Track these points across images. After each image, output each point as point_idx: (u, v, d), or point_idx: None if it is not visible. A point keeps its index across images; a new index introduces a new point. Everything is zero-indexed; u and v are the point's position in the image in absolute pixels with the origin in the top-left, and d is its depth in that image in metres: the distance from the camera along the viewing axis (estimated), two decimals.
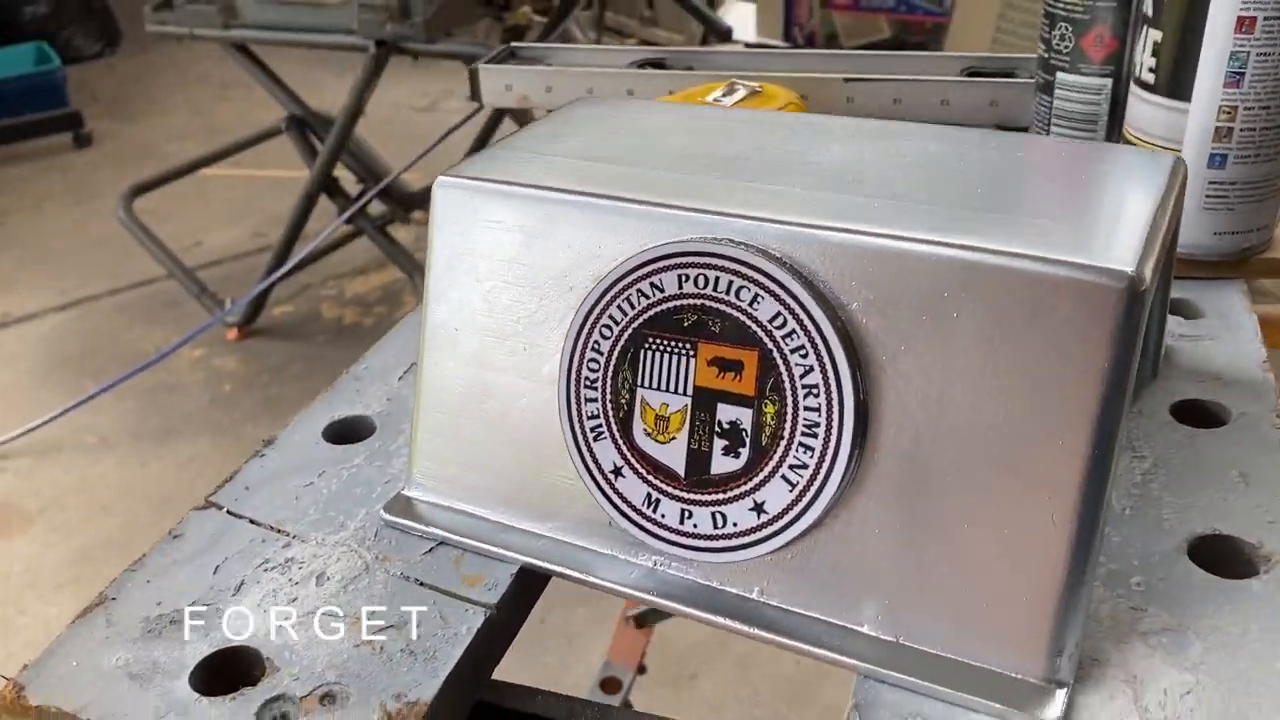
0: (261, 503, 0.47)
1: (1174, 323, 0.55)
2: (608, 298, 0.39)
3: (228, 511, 0.46)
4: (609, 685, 1.28)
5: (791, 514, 0.38)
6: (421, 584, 0.42)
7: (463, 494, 0.45)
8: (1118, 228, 0.35)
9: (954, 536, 0.36)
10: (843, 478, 0.37)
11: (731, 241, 0.37)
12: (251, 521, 0.46)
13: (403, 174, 1.91)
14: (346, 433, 0.52)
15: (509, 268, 0.42)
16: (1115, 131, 0.63)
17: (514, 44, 0.89)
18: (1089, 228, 0.36)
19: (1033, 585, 0.35)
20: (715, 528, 0.39)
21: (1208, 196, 0.56)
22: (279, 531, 0.45)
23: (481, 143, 2.25)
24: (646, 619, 1.27)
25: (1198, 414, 0.49)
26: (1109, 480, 0.34)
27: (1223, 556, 0.41)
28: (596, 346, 0.40)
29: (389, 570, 0.43)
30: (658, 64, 0.86)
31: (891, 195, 0.38)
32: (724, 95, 0.70)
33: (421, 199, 2.40)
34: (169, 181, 2.61)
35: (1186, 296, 0.58)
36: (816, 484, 0.37)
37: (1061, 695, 0.35)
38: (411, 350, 0.58)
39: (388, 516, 0.45)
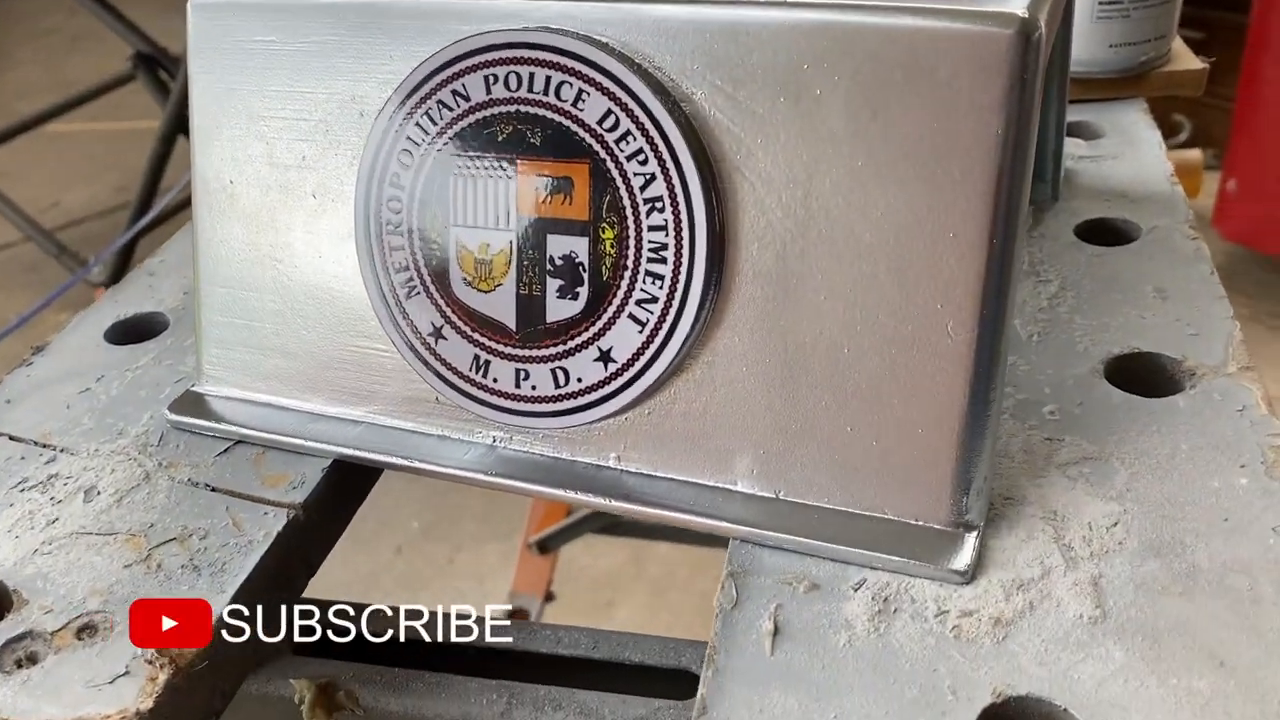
0: (23, 416, 0.39)
1: (1072, 145, 0.50)
2: (403, 115, 0.32)
3: None
4: (517, 617, 1.22)
5: (643, 359, 0.31)
6: (213, 489, 0.35)
7: (260, 382, 0.37)
8: None
9: (834, 367, 0.30)
10: (699, 309, 0.30)
11: (545, 29, 0.30)
12: (10, 438, 0.38)
13: None
14: (134, 332, 0.44)
15: (287, 100, 0.34)
16: None
17: None
18: None
19: (930, 414, 0.29)
20: (557, 386, 0.32)
21: (1101, 4, 0.50)
22: (43, 446, 0.37)
23: None
24: (549, 544, 1.21)
25: (1105, 233, 0.44)
26: (1013, 278, 0.28)
27: (1143, 375, 0.36)
28: (396, 180, 0.33)
29: (173, 478, 0.35)
30: None
31: None
32: None
33: None
34: (15, 136, 2.42)
35: (1084, 118, 0.52)
36: (669, 320, 0.30)
37: (971, 540, 0.29)
38: None
39: (174, 417, 0.37)
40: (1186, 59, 0.53)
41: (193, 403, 0.38)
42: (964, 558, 0.29)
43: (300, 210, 0.35)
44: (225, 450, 0.36)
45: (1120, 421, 0.34)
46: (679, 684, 0.36)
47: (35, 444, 0.37)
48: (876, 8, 0.28)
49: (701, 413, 0.31)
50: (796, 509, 0.31)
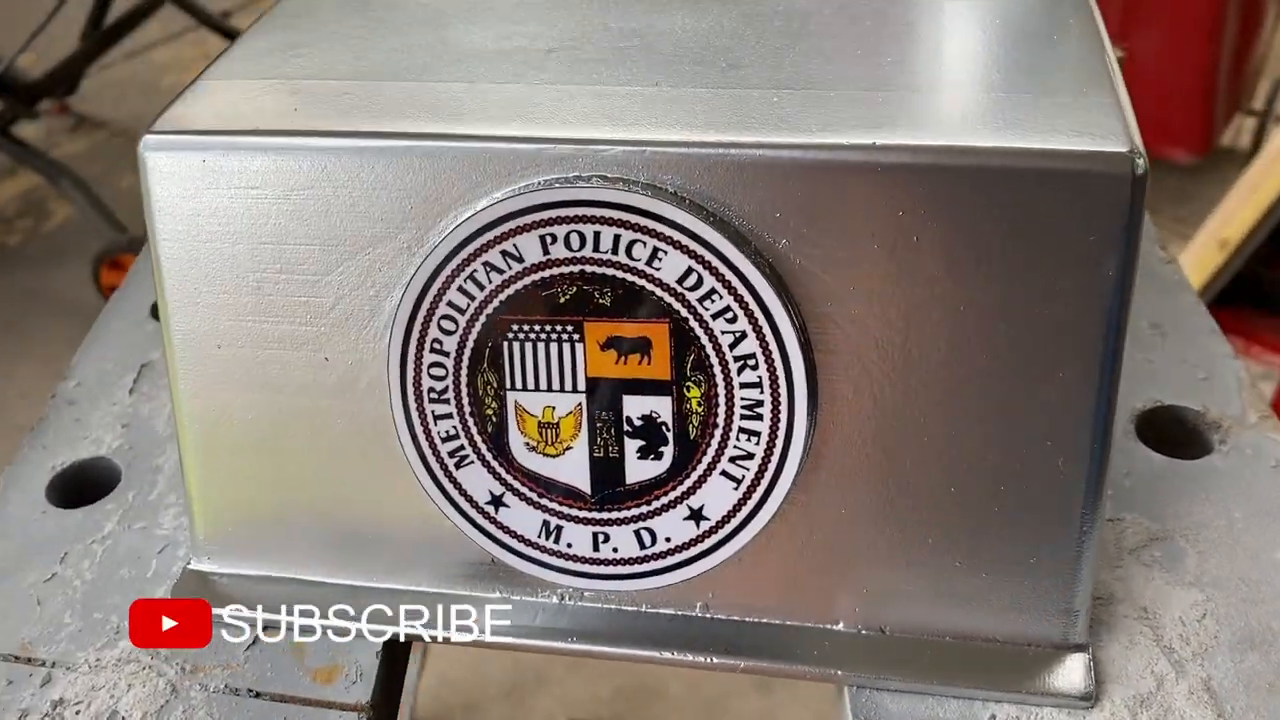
0: None
1: None
2: (443, 278, 0.29)
3: None
4: None
5: (740, 515, 0.30)
6: (258, 695, 0.31)
7: (275, 555, 0.34)
8: (1085, 88, 0.28)
9: (940, 505, 0.29)
10: (800, 462, 0.29)
11: (606, 179, 0.27)
12: None
13: (15, 61, 1.59)
14: (81, 487, 0.38)
15: (280, 250, 0.30)
16: None
17: None
18: (1053, 94, 0.28)
19: (1041, 544, 0.29)
20: (642, 548, 0.31)
21: None
22: (28, 661, 0.32)
23: (100, 13, 1.92)
24: None
25: None
26: (1115, 405, 0.28)
27: (1173, 430, 0.37)
28: (438, 346, 0.29)
29: (205, 686, 0.31)
30: None
31: (790, 82, 0.29)
32: None
33: (46, 86, 2.05)
34: None
35: None
36: (768, 475, 0.29)
37: (1084, 659, 0.30)
38: (131, 345, 0.44)
39: None
40: None
41: (197, 584, 0.34)
42: (1084, 680, 0.29)
43: (312, 372, 0.31)
44: (252, 643, 0.33)
45: (1170, 491, 0.35)
46: None
47: (17, 660, 0.32)
48: (976, 149, 0.26)
49: (798, 555, 0.30)
50: (906, 645, 0.30)
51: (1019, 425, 0.28)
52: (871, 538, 0.30)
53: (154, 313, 0.46)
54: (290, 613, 0.33)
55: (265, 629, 0.33)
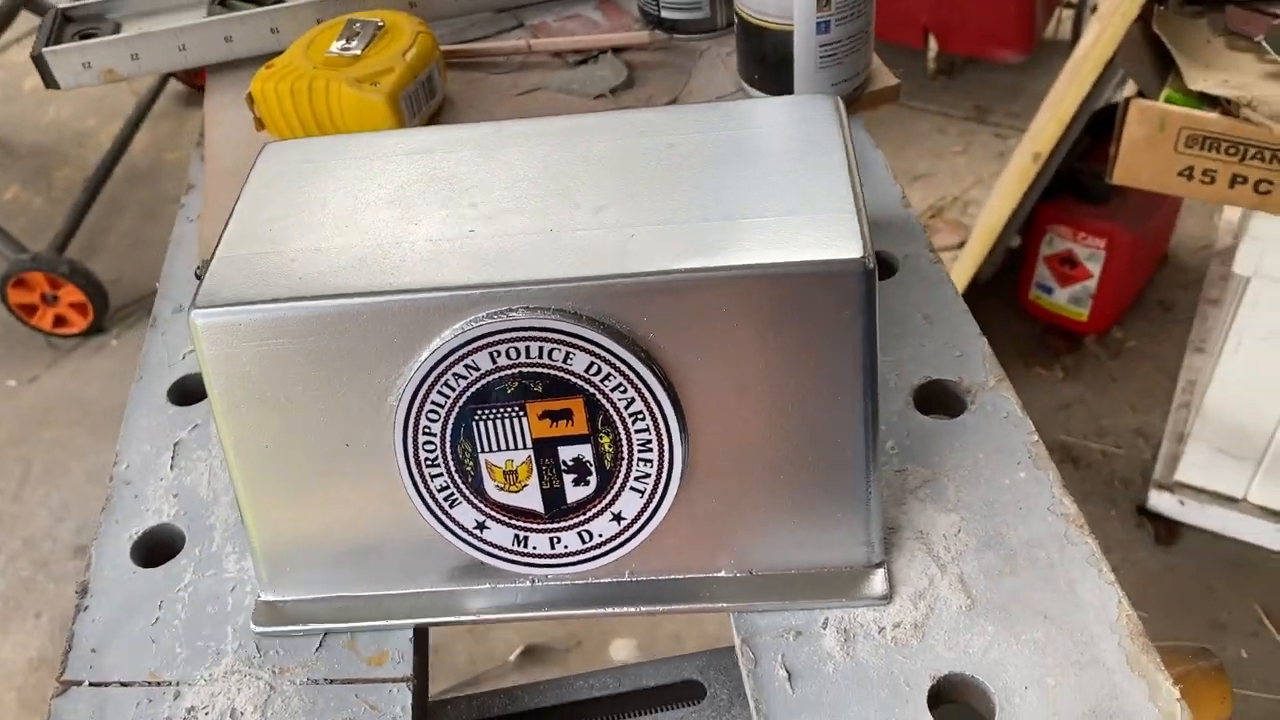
0: (119, 661, 0.46)
1: None
2: (427, 385, 0.42)
3: (90, 684, 0.46)
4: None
5: (646, 513, 0.44)
6: (333, 682, 0.45)
7: (324, 584, 0.47)
8: (837, 209, 0.42)
9: (776, 487, 0.44)
10: (680, 474, 0.43)
11: (529, 309, 0.41)
12: (121, 684, 0.46)
13: None
14: (155, 549, 0.51)
15: (308, 386, 0.43)
16: (727, 11, 0.69)
17: (63, 7, 0.79)
18: (813, 216, 0.42)
19: (840, 499, 0.44)
20: (583, 544, 0.45)
21: (821, 58, 0.64)
22: (159, 684, 0.46)
23: None
24: None
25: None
26: (877, 402, 0.43)
27: (941, 398, 0.52)
28: (428, 431, 0.43)
29: (294, 681, 0.45)
30: None
31: (641, 219, 0.43)
32: (347, 40, 0.69)
33: None
34: None
35: None
36: (661, 485, 0.43)
37: (883, 572, 0.45)
38: (159, 429, 0.56)
39: (261, 629, 0.47)
40: (884, 76, 0.68)
41: (269, 611, 0.47)
42: (883, 587, 0.45)
43: (337, 453, 0.44)
44: (320, 645, 0.46)
45: (937, 444, 0.50)
46: (691, 692, 0.51)
47: (151, 685, 0.46)
48: (767, 264, 0.40)
49: (687, 532, 0.45)
50: (767, 580, 0.46)
51: (819, 430, 0.43)
52: (732, 513, 0.45)
53: (171, 398, 0.58)
54: (341, 620, 0.47)
55: (326, 635, 0.47)
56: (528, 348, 0.41)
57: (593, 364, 0.41)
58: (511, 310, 0.41)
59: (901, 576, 0.46)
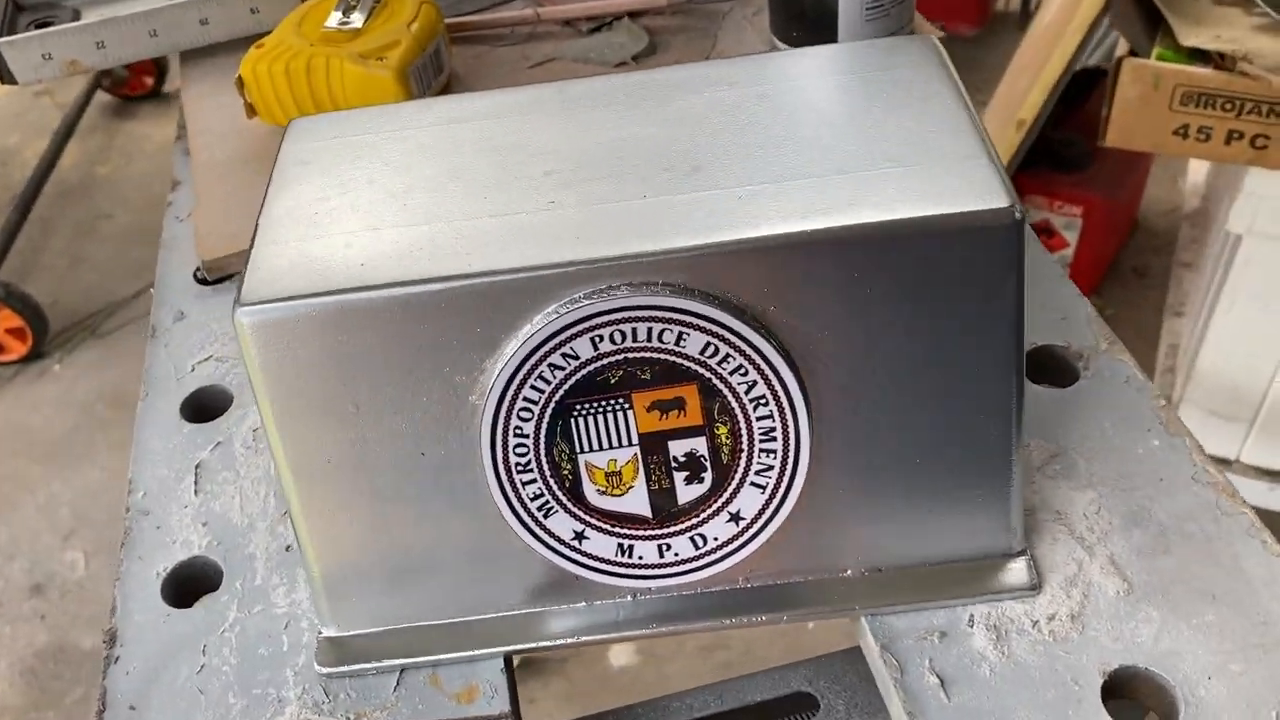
0: (166, 717, 0.40)
1: None
2: (518, 380, 0.37)
3: None
4: None
5: (767, 512, 0.39)
6: None
7: (397, 614, 0.41)
8: (968, 155, 0.38)
9: (910, 474, 0.39)
10: (808, 465, 0.38)
11: (632, 285, 0.36)
12: None
13: None
14: (189, 586, 0.45)
15: (378, 390, 0.37)
16: None
17: None
18: (944, 165, 0.37)
19: (984, 486, 0.40)
20: (696, 549, 0.40)
21: (868, 9, 0.59)
22: None
23: None
24: None
25: None
26: (1024, 378, 0.38)
27: (1050, 366, 0.48)
28: (519, 431, 0.37)
29: None
30: None
31: (745, 179, 0.38)
32: (345, 14, 0.63)
33: None
34: None
35: None
36: (785, 478, 0.38)
37: (1026, 560, 0.41)
38: (176, 450, 0.50)
39: (328, 670, 0.41)
40: (926, 28, 0.64)
41: (335, 649, 0.41)
42: (1030, 576, 0.40)
43: (411, 466, 0.39)
44: (398, 684, 0.41)
45: (1057, 415, 0.46)
46: (802, 704, 0.46)
47: None
48: (905, 221, 0.35)
49: (812, 530, 0.40)
50: (899, 577, 0.41)
51: (960, 405, 0.38)
52: (862, 505, 0.40)
53: (186, 414, 0.51)
54: (420, 653, 0.41)
55: (403, 671, 0.41)
56: (634, 330, 0.36)
57: (709, 344, 0.36)
58: (614, 288, 0.36)
59: (1047, 563, 0.41)
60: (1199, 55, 1.11)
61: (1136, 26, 1.17)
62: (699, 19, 0.68)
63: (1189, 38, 1.11)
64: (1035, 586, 0.40)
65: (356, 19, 0.62)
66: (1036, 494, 0.43)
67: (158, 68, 2.40)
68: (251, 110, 0.63)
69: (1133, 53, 1.15)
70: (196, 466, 0.49)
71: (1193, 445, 0.44)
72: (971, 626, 0.40)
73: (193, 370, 0.53)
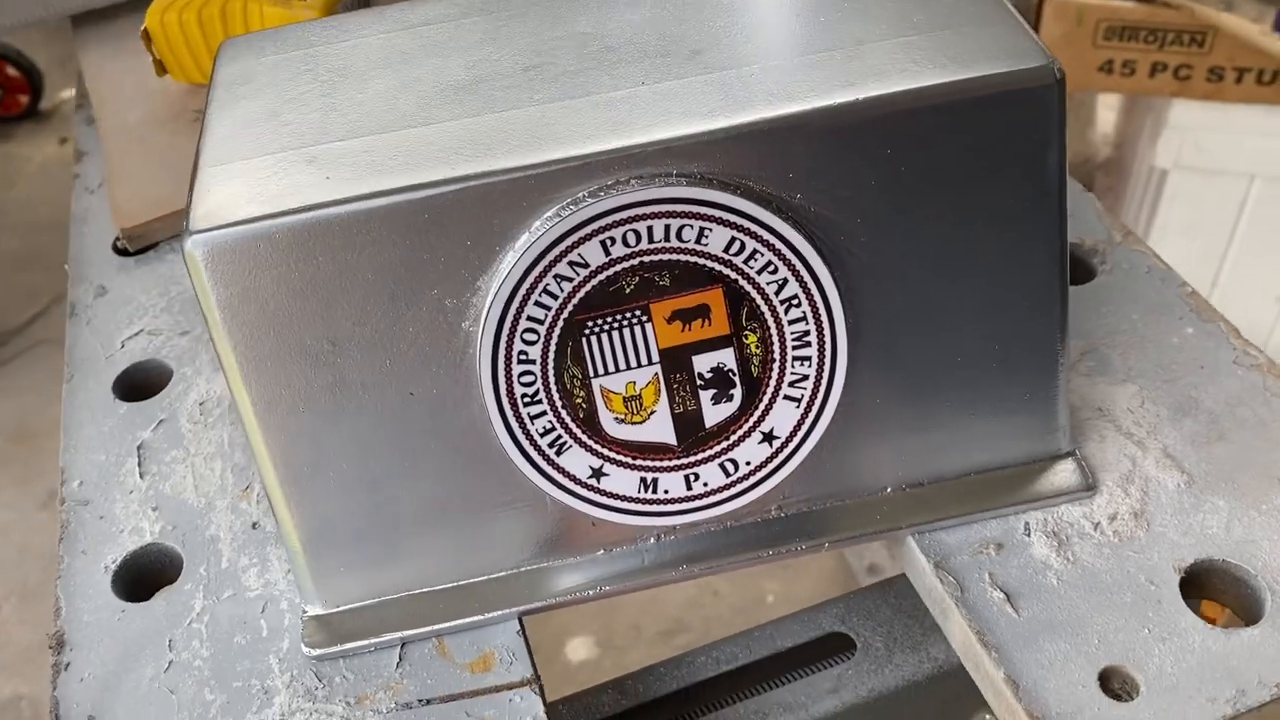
0: None
1: None
2: (520, 296, 0.32)
3: None
4: None
5: (803, 428, 0.35)
6: (430, 702, 0.35)
7: (391, 582, 0.37)
8: (993, 18, 0.34)
9: (952, 374, 0.36)
10: (845, 370, 0.35)
11: (643, 178, 0.31)
12: None
13: None
14: (144, 577, 0.39)
15: (354, 322, 0.32)
16: None
17: None
18: (971, 29, 0.34)
19: (1032, 379, 0.36)
20: (726, 477, 0.36)
21: None
22: None
23: None
24: None
25: None
26: (1068, 258, 0.35)
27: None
28: (524, 357, 0.33)
29: (379, 710, 0.35)
30: None
31: (747, 58, 0.34)
32: None
33: None
34: None
35: None
36: (822, 388, 0.35)
37: (1076, 461, 0.38)
38: (112, 432, 0.44)
39: (319, 652, 0.36)
40: None
41: (323, 628, 0.36)
42: (1084, 477, 0.37)
43: (399, 407, 0.34)
44: (400, 659, 0.36)
45: (1081, 313, 0.43)
46: (837, 645, 0.42)
47: None
48: (938, 87, 0.32)
49: (852, 444, 0.36)
50: (943, 490, 0.37)
51: (1003, 296, 0.35)
52: (903, 413, 0.36)
53: (118, 393, 0.46)
54: (422, 623, 0.36)
55: (404, 644, 0.36)
56: (650, 228, 0.32)
57: (734, 239, 0.32)
58: (623, 182, 0.31)
59: (1097, 462, 0.38)
60: None
61: None
62: None
63: None
64: (1091, 487, 0.37)
65: None
66: (1075, 393, 0.40)
67: (32, 86, 2.27)
68: (161, 68, 0.58)
69: None
70: (139, 448, 0.43)
71: (1228, 329, 0.41)
72: (1028, 535, 0.36)
73: (122, 347, 0.48)
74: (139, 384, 0.46)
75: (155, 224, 0.52)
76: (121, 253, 0.52)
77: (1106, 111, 1.86)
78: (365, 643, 0.36)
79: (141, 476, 0.42)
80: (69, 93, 2.37)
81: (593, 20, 0.37)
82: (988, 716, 0.42)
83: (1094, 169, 1.90)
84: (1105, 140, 1.90)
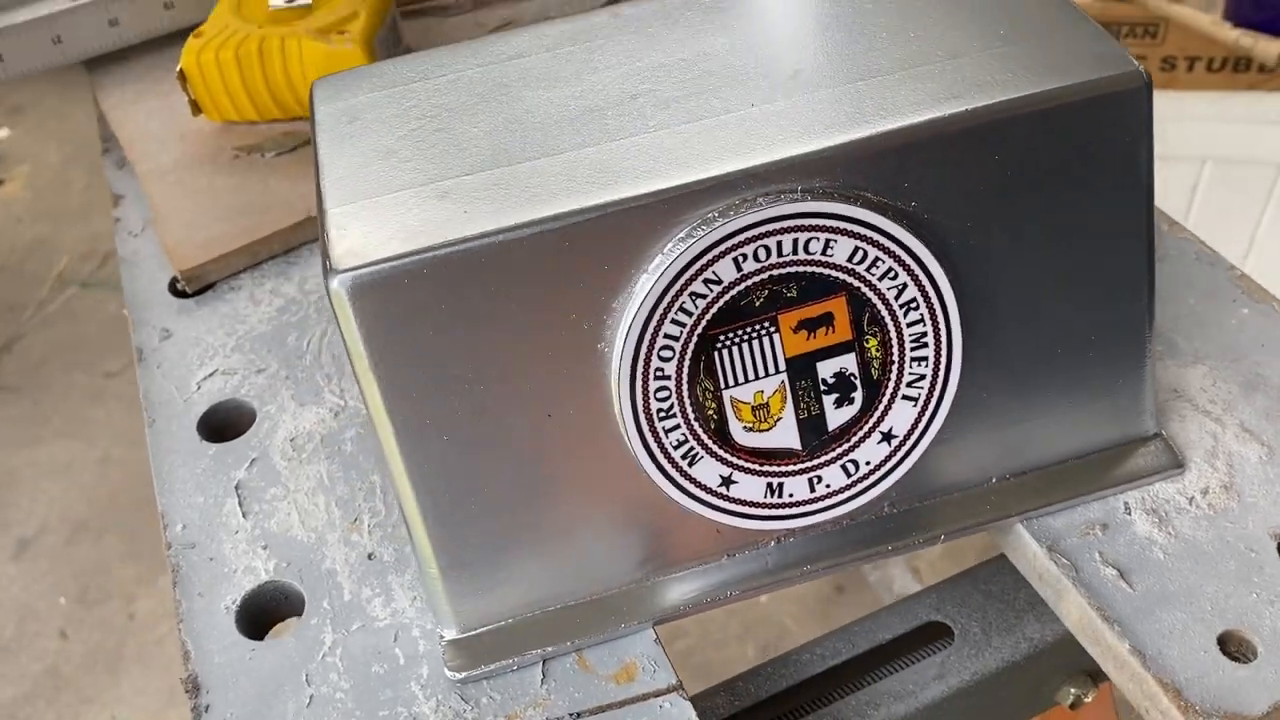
0: None
1: None
2: (658, 316, 0.33)
3: None
4: None
5: (920, 426, 0.37)
6: (579, 715, 0.35)
7: (528, 602, 0.37)
8: (1076, 26, 0.36)
9: (1054, 366, 0.38)
10: (960, 369, 0.36)
11: (769, 195, 0.33)
12: None
13: None
14: (271, 615, 0.40)
15: (494, 351, 0.33)
16: None
17: None
18: (1058, 38, 0.36)
19: (1126, 365, 0.38)
20: (848, 477, 0.37)
21: None
22: None
23: None
24: None
25: None
26: (1154, 248, 0.37)
27: None
28: (661, 373, 0.34)
29: None
30: None
31: (851, 75, 0.36)
32: None
33: None
34: None
35: None
36: (939, 387, 0.36)
37: (1164, 441, 0.40)
38: (206, 473, 0.44)
39: (463, 674, 0.37)
40: None
41: (464, 651, 0.37)
42: (1173, 456, 0.39)
43: (538, 429, 0.35)
44: (544, 676, 0.37)
45: None
46: (936, 633, 0.44)
47: None
48: (1041, 94, 0.34)
49: (964, 439, 0.38)
50: (1046, 477, 0.39)
51: (1097, 288, 0.37)
52: (1010, 406, 0.38)
53: (203, 434, 0.46)
54: (561, 639, 0.37)
55: (545, 662, 0.37)
56: (779, 243, 0.33)
57: (857, 249, 0.34)
58: (750, 200, 0.33)
59: (1181, 440, 0.40)
60: None
61: None
62: None
63: None
64: (1181, 464, 0.39)
65: None
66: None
67: None
68: (196, 108, 0.58)
69: None
70: (236, 488, 0.43)
71: (1279, 308, 0.44)
72: (1130, 514, 0.38)
73: (198, 388, 0.48)
74: (223, 424, 0.46)
75: (211, 265, 0.52)
76: (180, 294, 0.52)
77: None
78: (508, 661, 0.37)
79: (245, 516, 0.43)
80: (4, 133, 2.32)
81: (684, 48, 0.38)
82: (1073, 691, 0.44)
83: None
84: None
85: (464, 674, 0.37)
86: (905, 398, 0.36)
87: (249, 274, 0.53)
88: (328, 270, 0.32)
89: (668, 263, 0.33)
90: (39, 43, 0.62)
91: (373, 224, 0.33)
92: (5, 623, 1.54)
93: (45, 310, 1.99)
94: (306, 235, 0.54)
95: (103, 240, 2.10)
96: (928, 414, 0.37)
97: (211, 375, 0.48)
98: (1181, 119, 1.25)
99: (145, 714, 1.40)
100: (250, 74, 0.56)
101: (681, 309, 0.33)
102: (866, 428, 0.37)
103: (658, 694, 0.36)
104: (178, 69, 0.56)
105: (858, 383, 0.36)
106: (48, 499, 1.68)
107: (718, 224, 0.33)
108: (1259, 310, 0.44)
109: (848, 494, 0.38)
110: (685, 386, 0.35)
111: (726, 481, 0.36)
